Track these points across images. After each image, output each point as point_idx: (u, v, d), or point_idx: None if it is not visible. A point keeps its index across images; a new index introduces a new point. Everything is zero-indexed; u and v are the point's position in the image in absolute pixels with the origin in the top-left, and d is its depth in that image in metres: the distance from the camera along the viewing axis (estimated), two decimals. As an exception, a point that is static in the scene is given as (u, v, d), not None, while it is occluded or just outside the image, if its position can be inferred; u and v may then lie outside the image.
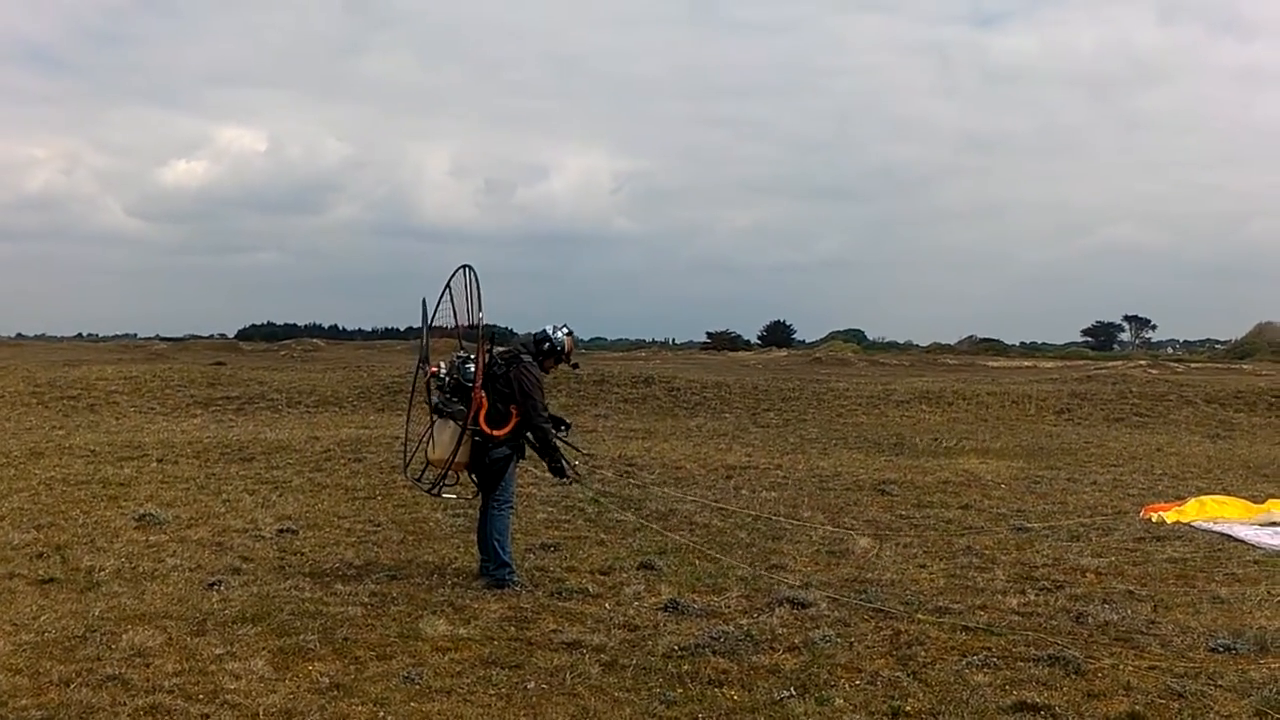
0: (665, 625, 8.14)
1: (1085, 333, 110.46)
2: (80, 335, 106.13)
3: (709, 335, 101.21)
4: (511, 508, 9.61)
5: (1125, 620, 8.30)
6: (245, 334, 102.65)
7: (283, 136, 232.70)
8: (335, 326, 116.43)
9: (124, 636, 7.46)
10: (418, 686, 6.71)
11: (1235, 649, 7.60)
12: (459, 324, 9.46)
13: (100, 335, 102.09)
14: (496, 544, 9.34)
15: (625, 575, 9.74)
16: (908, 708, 6.43)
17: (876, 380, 39.99)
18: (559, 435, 9.78)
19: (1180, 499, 13.86)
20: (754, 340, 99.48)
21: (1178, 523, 12.62)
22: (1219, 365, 61.43)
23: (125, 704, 6.20)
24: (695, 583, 9.48)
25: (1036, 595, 9.14)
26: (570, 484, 10.83)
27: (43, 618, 7.94)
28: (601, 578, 9.64)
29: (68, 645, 7.31)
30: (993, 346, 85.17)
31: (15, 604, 8.38)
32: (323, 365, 44.30)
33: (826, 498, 14.65)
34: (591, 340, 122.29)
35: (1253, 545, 11.33)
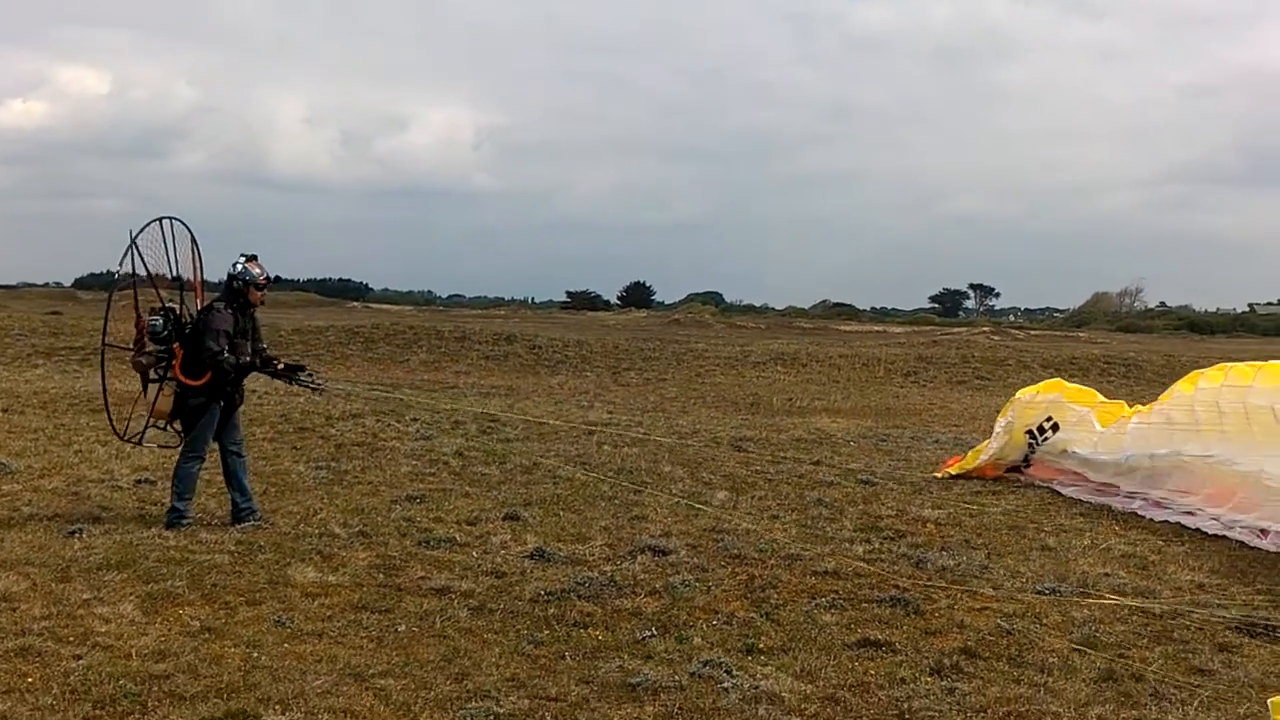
0: (531, 572, 8.40)
1: (933, 299, 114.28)
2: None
3: (569, 295, 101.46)
4: (200, 459, 9.59)
5: (961, 566, 8.91)
6: (83, 283, 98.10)
7: (127, 78, 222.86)
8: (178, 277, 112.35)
9: (-13, 583, 7.38)
10: (289, 630, 6.83)
11: (1060, 591, 8.25)
12: (153, 278, 9.52)
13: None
14: (173, 488, 9.47)
15: (491, 525, 9.97)
16: (761, 645, 6.84)
17: (734, 342, 40.85)
18: (287, 374, 10.06)
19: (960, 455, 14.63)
20: (614, 301, 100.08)
21: (964, 471, 13.57)
22: (1058, 333, 64.50)
23: (-6, 646, 6.19)
24: (560, 532, 9.76)
25: (880, 543, 9.71)
26: (318, 391, 10.85)
27: (-104, 565, 7.78)
28: (468, 528, 9.85)
29: (-73, 592, 7.20)
30: (845, 311, 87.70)
31: None
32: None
33: (685, 453, 15.09)
34: (450, 297, 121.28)
35: (1080, 500, 12.17)
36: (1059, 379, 15.40)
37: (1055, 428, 13.38)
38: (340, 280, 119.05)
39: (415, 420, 16.96)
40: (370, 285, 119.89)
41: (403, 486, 11.68)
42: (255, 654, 6.31)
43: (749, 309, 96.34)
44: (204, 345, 9.27)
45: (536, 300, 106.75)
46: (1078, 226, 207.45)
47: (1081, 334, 63.62)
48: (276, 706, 5.46)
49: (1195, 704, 5.97)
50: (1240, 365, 11.57)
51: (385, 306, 76.24)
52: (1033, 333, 63.28)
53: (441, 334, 35.26)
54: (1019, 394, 14.29)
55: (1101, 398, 13.91)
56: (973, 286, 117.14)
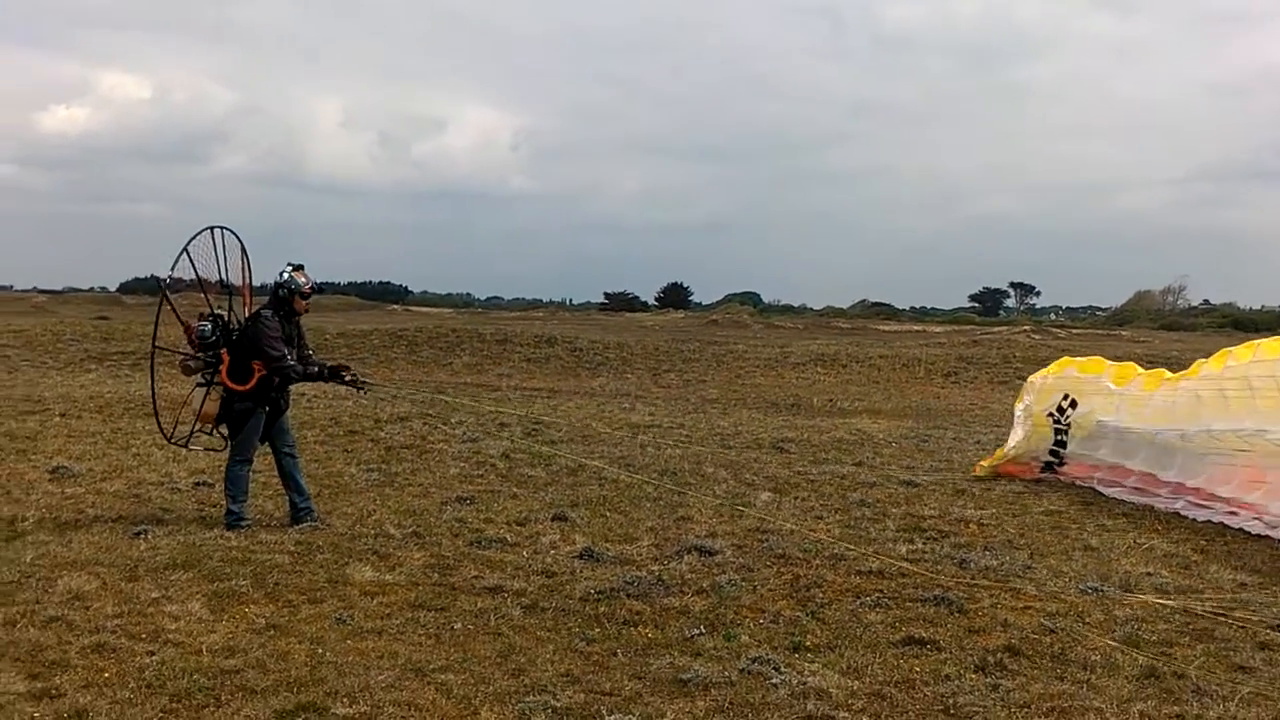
0: (581, 571, 8.61)
1: (972, 298, 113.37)
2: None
3: (606, 296, 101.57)
4: (247, 462, 9.84)
5: (1004, 565, 9.02)
6: (127, 287, 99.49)
7: (167, 83, 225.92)
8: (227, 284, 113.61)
9: (59, 581, 7.69)
10: (350, 627, 7.07)
11: (1102, 591, 8.36)
12: (203, 285, 9.79)
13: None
14: (226, 491, 9.74)
15: (540, 526, 10.19)
16: (807, 642, 7.00)
17: (773, 343, 40.93)
18: (338, 376, 10.25)
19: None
20: (651, 302, 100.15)
21: (993, 466, 13.74)
22: (1099, 331, 63.93)
23: (72, 643, 6.47)
24: (607, 533, 9.97)
25: (924, 544, 9.83)
26: (363, 391, 11.14)
27: (-26, 566, 8.10)
28: (518, 528, 10.07)
29: (5, 590, 7.51)
30: (884, 311, 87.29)
31: (-58, 553, 8.51)
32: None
33: (728, 455, 15.26)
34: (488, 299, 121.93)
35: (1120, 500, 12.23)
36: (1066, 357, 15.39)
37: (1074, 404, 13.43)
38: (380, 283, 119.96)
39: (461, 423, 17.22)
40: (409, 288, 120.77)
41: (452, 488, 11.93)
42: (320, 650, 6.55)
43: (787, 309, 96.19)
44: (266, 354, 9.55)
45: (574, 302, 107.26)
46: (1115, 225, 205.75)
47: (1124, 332, 63.03)
48: (344, 700, 5.69)
49: (1236, 700, 6.07)
50: (1269, 341, 11.54)
51: (425, 309, 76.82)
52: (1075, 331, 62.71)
53: (483, 337, 35.61)
54: (1030, 379, 14.40)
55: (1109, 362, 13.89)
56: (1013, 285, 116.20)
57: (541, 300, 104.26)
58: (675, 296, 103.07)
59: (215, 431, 9.95)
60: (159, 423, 10.35)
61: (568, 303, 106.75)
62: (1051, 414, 13.64)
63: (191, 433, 9.93)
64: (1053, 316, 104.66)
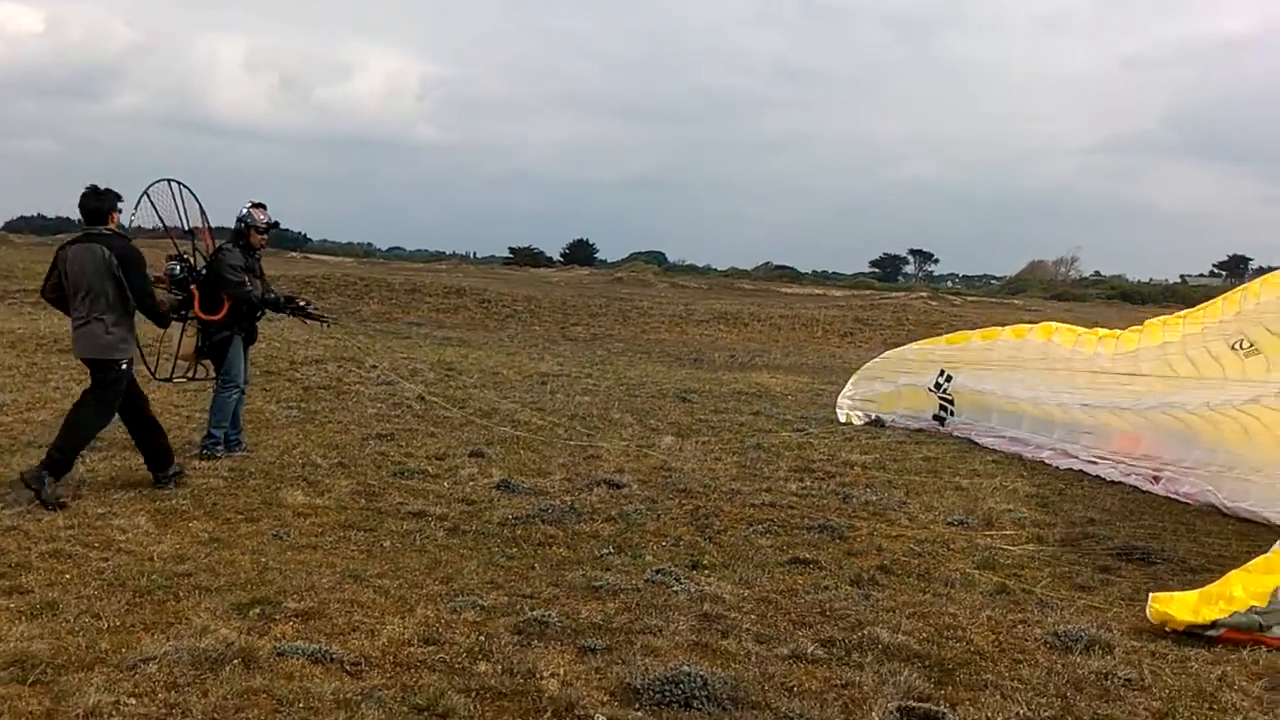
0: (498, 500, 9.31)
1: (873, 264, 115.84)
2: None
3: (511, 250, 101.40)
4: (237, 386, 10.47)
5: (882, 501, 9.97)
6: (13, 225, 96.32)
7: (62, 16, 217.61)
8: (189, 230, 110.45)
9: (7, 497, 8.14)
10: (287, 543, 7.68)
11: (967, 523, 9.35)
12: (167, 230, 10.31)
13: None
14: (212, 415, 10.38)
15: (458, 460, 10.86)
16: (705, 561, 7.81)
17: (677, 301, 41.81)
18: (300, 309, 11.01)
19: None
20: (556, 258, 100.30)
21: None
22: (993, 300, 66.06)
23: (30, 549, 6.97)
24: (522, 468, 10.68)
25: (812, 482, 10.74)
26: (328, 325, 11.74)
27: (-81, 483, 8.51)
28: (438, 462, 10.73)
29: (-44, 504, 7.95)
30: (787, 274, 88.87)
31: (-116, 472, 8.88)
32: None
33: (634, 403, 16.05)
34: (390, 250, 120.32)
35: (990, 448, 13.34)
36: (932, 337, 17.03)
37: (949, 378, 14.60)
38: (278, 229, 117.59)
39: (375, 367, 17.73)
40: (308, 235, 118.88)
41: (371, 426, 12.52)
42: (262, 559, 7.16)
43: (691, 269, 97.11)
44: (225, 279, 10.08)
45: (478, 255, 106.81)
46: (1019, 195, 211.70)
47: (1017, 301, 65.20)
48: (294, 597, 6.33)
49: (1072, 609, 7.04)
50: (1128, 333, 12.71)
51: (324, 258, 75.91)
52: (969, 299, 64.78)
53: (392, 286, 35.85)
54: (887, 355, 16.01)
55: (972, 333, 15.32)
56: (912, 252, 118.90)
57: (445, 253, 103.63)
58: (581, 253, 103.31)
59: (200, 365, 10.40)
60: (144, 361, 10.78)
61: (472, 255, 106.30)
62: (929, 389, 14.82)
63: (173, 369, 10.35)
64: (950, 284, 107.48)
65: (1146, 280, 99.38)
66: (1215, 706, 5.50)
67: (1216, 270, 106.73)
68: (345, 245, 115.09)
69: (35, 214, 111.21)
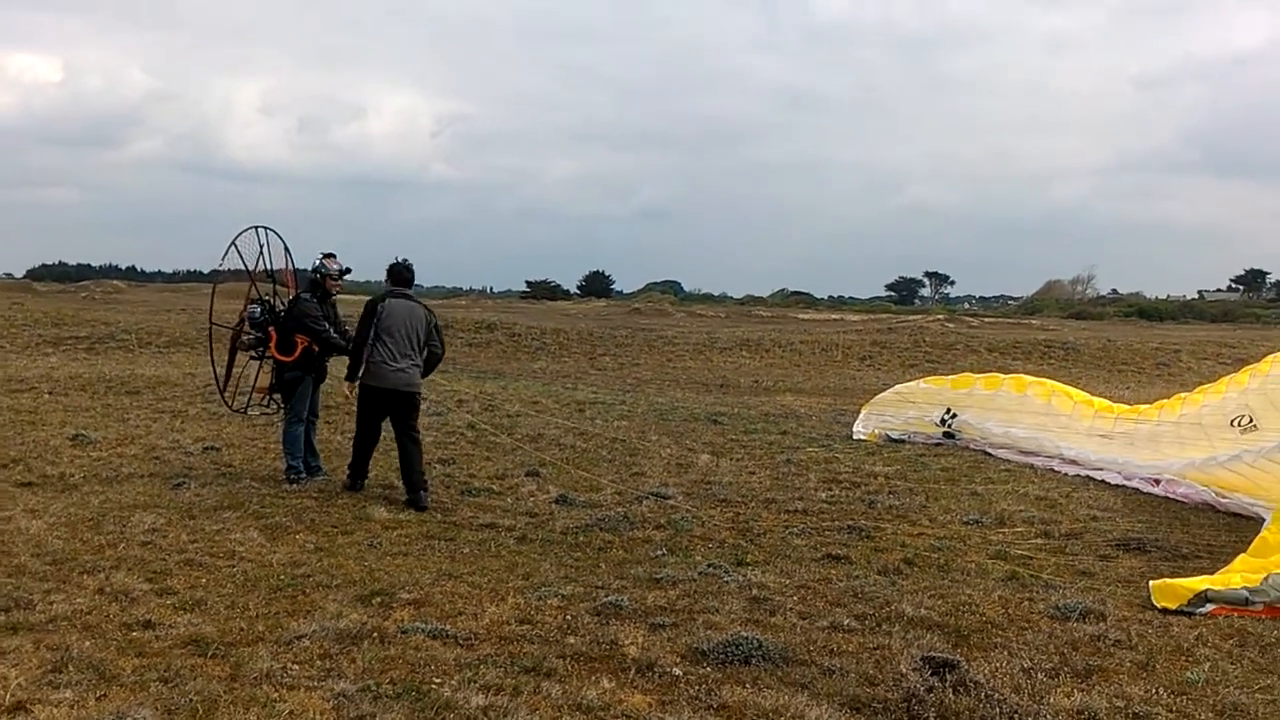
0: (558, 513, 10.38)
1: (889, 287, 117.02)
2: None
3: (528, 284, 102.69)
4: (300, 420, 11.52)
5: (904, 505, 11.02)
6: (35, 274, 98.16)
7: (79, 65, 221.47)
8: (133, 268, 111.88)
9: (133, 518, 9.26)
10: (381, 551, 8.76)
11: (981, 523, 10.39)
12: (252, 275, 11.54)
13: None
14: (284, 447, 11.49)
15: (517, 480, 11.95)
16: (748, 559, 8.86)
17: (699, 330, 42.91)
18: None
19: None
20: (573, 290, 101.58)
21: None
22: (1010, 320, 66.88)
23: (166, 559, 8.08)
24: (575, 485, 11.76)
25: (840, 491, 11.80)
26: None
27: (53, 507, 9.64)
28: (499, 481, 11.83)
29: (91, 523, 9.08)
30: (803, 299, 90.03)
31: (17, 499, 10.00)
32: (147, 308, 44.28)
33: (668, 426, 17.13)
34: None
35: (1006, 460, 14.37)
36: (937, 376, 18.35)
37: (954, 415, 15.79)
38: (299, 270, 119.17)
39: (425, 399, 18.80)
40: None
41: (431, 452, 13.57)
42: (366, 563, 8.25)
43: (708, 297, 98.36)
44: (310, 329, 11.24)
45: (495, 290, 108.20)
46: (1033, 216, 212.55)
47: (1034, 320, 66.04)
48: (404, 590, 7.41)
49: (1074, 590, 8.05)
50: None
51: (348, 297, 76.97)
52: (986, 320, 65.60)
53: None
54: (898, 389, 17.27)
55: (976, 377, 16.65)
56: (928, 275, 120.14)
57: (462, 288, 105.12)
58: (597, 284, 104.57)
59: (270, 400, 11.57)
60: (221, 392, 11.99)
61: (489, 290, 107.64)
62: (934, 422, 16.01)
63: (249, 401, 11.59)
64: (966, 306, 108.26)
65: (1164, 297, 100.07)
66: (1190, 659, 6.52)
67: (1234, 285, 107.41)
68: (364, 284, 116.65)
69: (56, 261, 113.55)
